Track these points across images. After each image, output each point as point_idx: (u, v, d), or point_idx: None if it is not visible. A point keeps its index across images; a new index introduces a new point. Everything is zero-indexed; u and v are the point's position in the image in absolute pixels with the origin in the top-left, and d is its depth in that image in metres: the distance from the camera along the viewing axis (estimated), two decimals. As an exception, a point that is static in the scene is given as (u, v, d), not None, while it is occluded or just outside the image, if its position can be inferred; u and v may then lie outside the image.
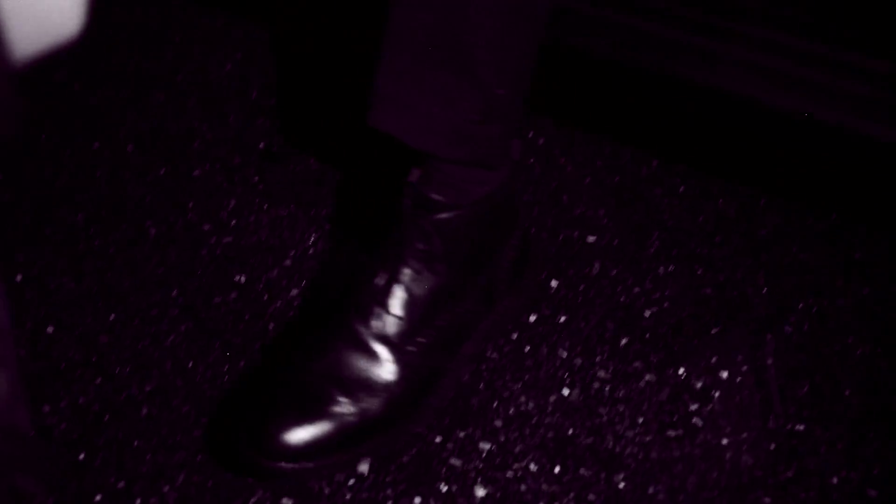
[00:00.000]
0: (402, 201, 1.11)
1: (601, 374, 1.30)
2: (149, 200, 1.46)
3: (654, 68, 1.41)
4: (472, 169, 1.12)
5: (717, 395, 1.28)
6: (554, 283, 1.37)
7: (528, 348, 1.30)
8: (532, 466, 1.21)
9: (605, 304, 1.37)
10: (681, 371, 1.30)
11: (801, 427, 1.25)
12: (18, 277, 1.37)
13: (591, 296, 1.38)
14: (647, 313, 1.36)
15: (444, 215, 1.11)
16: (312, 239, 1.43)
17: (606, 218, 1.48)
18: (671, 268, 1.42)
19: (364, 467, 1.15)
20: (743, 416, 1.26)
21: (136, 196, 1.47)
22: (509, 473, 1.20)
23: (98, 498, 1.17)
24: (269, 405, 1.10)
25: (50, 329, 1.32)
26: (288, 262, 1.40)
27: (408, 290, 1.12)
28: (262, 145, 1.53)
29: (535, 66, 1.11)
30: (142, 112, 1.56)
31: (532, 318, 1.32)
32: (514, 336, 1.30)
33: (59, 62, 1.56)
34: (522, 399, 1.25)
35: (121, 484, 1.18)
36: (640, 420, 1.25)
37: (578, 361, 1.31)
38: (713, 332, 1.35)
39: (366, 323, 1.12)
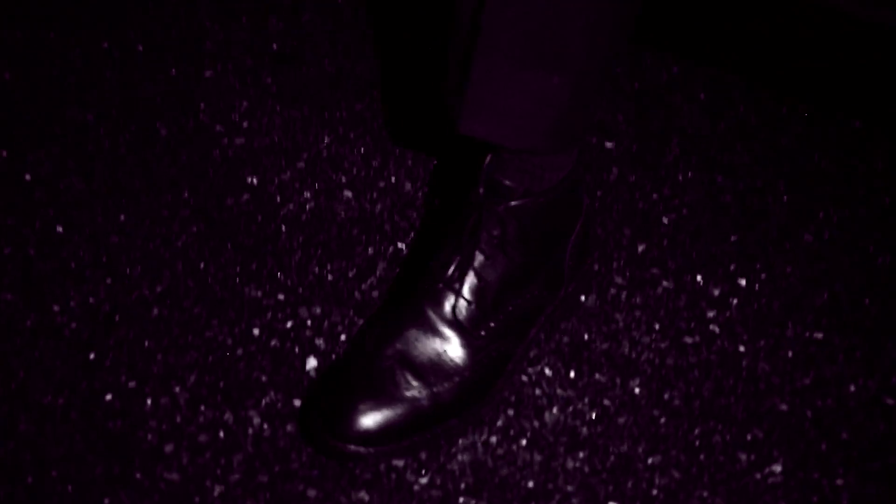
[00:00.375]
0: (476, 188, 1.12)
1: (618, 280, 1.28)
2: (159, 101, 1.44)
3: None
4: (556, 156, 1.12)
5: (734, 302, 1.26)
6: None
7: (543, 254, 1.28)
8: (547, 371, 1.19)
9: (622, 210, 1.35)
10: (698, 278, 1.28)
11: (820, 335, 1.24)
12: (27, 177, 1.35)
13: (609, 202, 1.36)
14: (666, 220, 1.34)
15: (518, 202, 1.11)
16: (326, 142, 1.40)
17: (625, 124, 1.45)
18: (690, 175, 1.40)
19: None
20: (761, 323, 1.25)
21: (146, 96, 1.44)
22: (524, 377, 1.19)
23: (108, 397, 1.16)
24: (343, 389, 1.11)
25: (59, 229, 1.30)
26: (301, 165, 1.38)
27: (479, 275, 1.13)
28: (275, 46, 1.50)
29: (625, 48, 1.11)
30: (152, 11, 1.53)
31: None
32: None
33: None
34: (537, 304, 1.24)
35: (132, 384, 1.17)
36: (657, 326, 1.24)
37: (595, 267, 1.29)
38: (732, 239, 1.33)
39: (438, 308, 1.13)
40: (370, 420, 1.09)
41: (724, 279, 1.29)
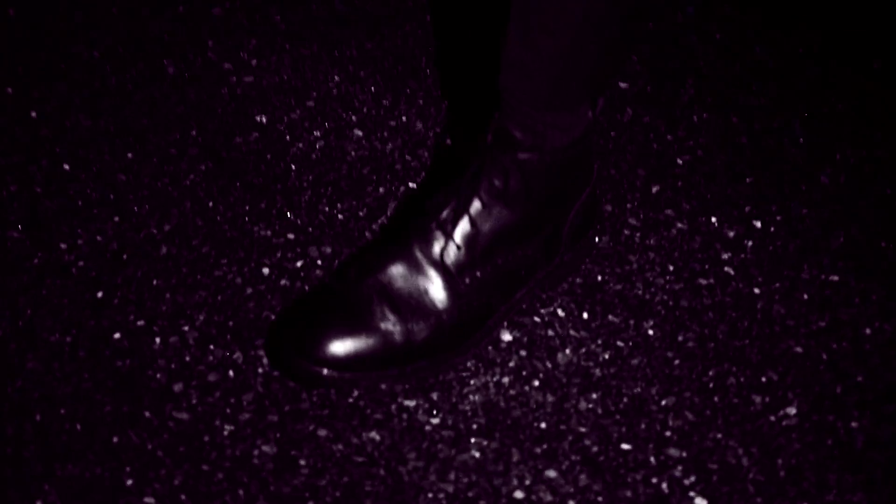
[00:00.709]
0: (485, 135, 1.10)
1: (632, 221, 1.26)
2: (167, 38, 1.41)
3: None
4: (558, 114, 1.10)
5: (749, 244, 1.25)
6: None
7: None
8: (560, 312, 1.18)
9: (636, 151, 1.33)
10: (713, 220, 1.27)
11: (836, 278, 1.22)
12: (33, 114, 1.33)
13: (623, 142, 1.34)
14: (680, 161, 1.33)
15: (525, 155, 1.10)
16: (336, 80, 1.38)
17: (640, 64, 1.43)
18: (705, 116, 1.38)
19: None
20: (776, 265, 1.23)
21: (153, 33, 1.42)
22: (536, 318, 1.17)
23: (117, 336, 1.15)
24: (318, 312, 1.10)
25: (66, 166, 1.28)
26: (311, 104, 1.36)
27: (473, 222, 1.11)
28: (283, -16, 1.48)
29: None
30: (159, -52, 1.51)
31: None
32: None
33: None
34: (550, 245, 1.22)
35: (140, 322, 1.16)
36: (671, 268, 1.22)
37: (609, 208, 1.27)
38: (747, 181, 1.31)
39: (426, 247, 1.11)
40: (340, 346, 1.08)
41: (738, 221, 1.27)
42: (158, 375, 1.12)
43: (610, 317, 1.18)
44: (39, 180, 1.27)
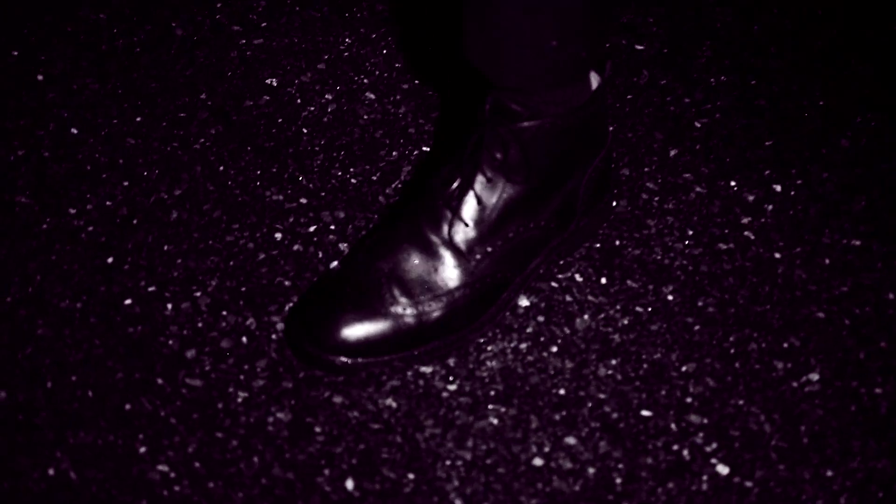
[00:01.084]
0: (482, 108, 1.08)
1: (650, 185, 1.24)
2: (175, 0, 1.39)
3: None
4: (552, 90, 1.07)
5: (769, 208, 1.23)
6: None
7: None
8: (577, 277, 1.16)
9: (653, 113, 1.31)
10: (732, 183, 1.25)
11: (858, 242, 1.20)
12: (40, 77, 1.31)
13: (640, 105, 1.32)
14: (698, 124, 1.30)
15: (524, 125, 1.07)
16: (347, 42, 1.36)
17: (655, 26, 1.41)
18: (723, 78, 1.35)
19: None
20: (797, 229, 1.21)
21: (161, -4, 1.40)
22: (553, 284, 1.16)
23: (128, 302, 1.13)
24: (329, 299, 1.08)
25: (74, 130, 1.26)
26: (321, 66, 1.34)
27: (479, 198, 1.09)
28: (292, -55, 1.45)
29: None
30: None
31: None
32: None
33: None
34: (567, 210, 1.20)
35: (151, 288, 1.14)
36: (690, 233, 1.20)
37: (626, 172, 1.25)
38: (767, 144, 1.29)
39: (435, 227, 1.09)
40: (351, 331, 1.06)
41: (758, 185, 1.25)
42: (171, 342, 1.10)
43: (629, 282, 1.16)
44: (47, 144, 1.25)
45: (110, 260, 1.16)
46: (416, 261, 1.09)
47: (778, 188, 1.25)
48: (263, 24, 1.37)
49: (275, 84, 1.32)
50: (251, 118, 1.28)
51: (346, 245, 1.18)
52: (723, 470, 1.03)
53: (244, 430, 1.04)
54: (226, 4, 1.39)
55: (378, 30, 1.37)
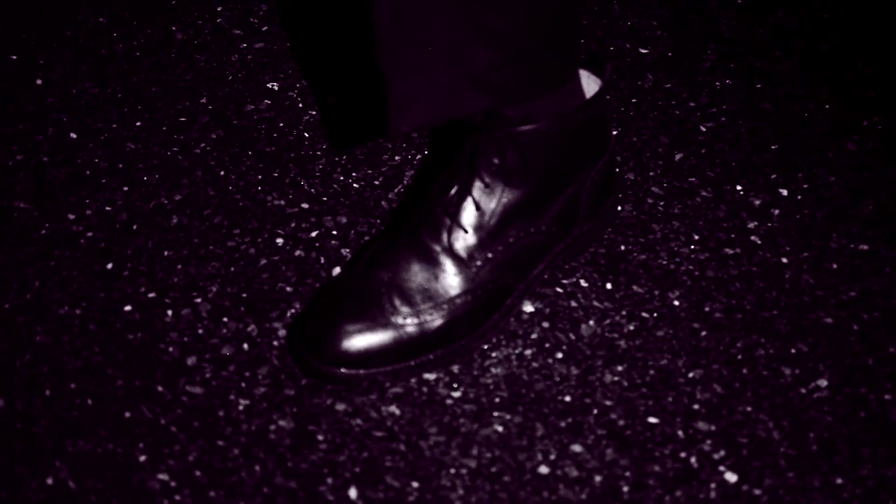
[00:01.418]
0: (476, 115, 1.06)
1: (655, 189, 1.23)
2: (174, 3, 1.38)
3: None
4: (541, 100, 1.06)
5: (776, 212, 1.22)
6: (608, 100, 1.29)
7: (576, 162, 1.23)
8: (583, 283, 1.15)
9: (658, 117, 1.30)
10: (738, 188, 1.24)
11: (865, 247, 1.19)
12: (39, 81, 1.29)
13: (644, 109, 1.31)
14: (703, 128, 1.29)
15: (521, 129, 1.05)
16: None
17: (660, 29, 1.39)
18: (728, 82, 1.34)
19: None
20: (804, 234, 1.20)
21: (161, -1, 1.39)
22: (558, 289, 1.14)
23: (128, 308, 1.11)
24: (329, 310, 1.07)
25: (73, 135, 1.25)
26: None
27: (478, 204, 1.07)
28: (293, -52, 1.44)
29: None
30: (165, -88, 1.47)
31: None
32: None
33: None
34: (571, 214, 1.19)
35: (151, 294, 1.12)
36: (696, 237, 1.19)
37: (631, 177, 1.24)
38: (773, 148, 1.28)
39: (434, 234, 1.08)
40: (352, 342, 1.05)
41: (764, 189, 1.24)
42: (171, 349, 1.09)
43: (634, 287, 1.15)
44: (46, 149, 1.24)
45: (110, 266, 1.14)
46: (416, 269, 1.08)
47: (784, 192, 1.23)
48: (265, 28, 1.36)
49: (276, 88, 1.30)
50: (252, 122, 1.27)
51: (348, 250, 1.16)
52: (731, 478, 1.02)
53: (246, 439, 1.03)
54: (226, 8, 1.38)
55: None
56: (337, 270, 1.15)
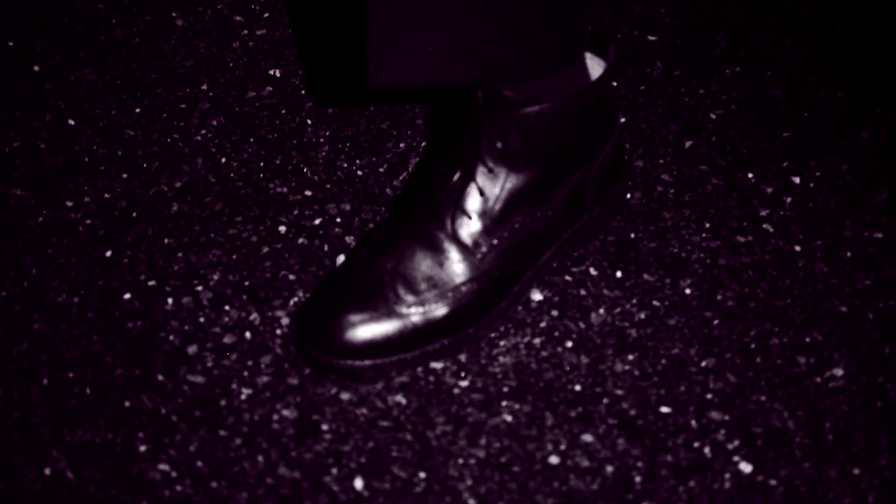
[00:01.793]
0: (475, 96, 1.03)
1: (665, 177, 1.21)
2: (175, -10, 1.36)
3: None
4: (542, 80, 1.03)
5: (788, 200, 1.19)
6: (613, 84, 1.27)
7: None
8: (592, 271, 1.12)
9: (668, 105, 1.28)
10: (749, 175, 1.21)
11: (880, 235, 1.16)
12: (36, 67, 1.27)
13: (653, 96, 1.28)
14: (714, 115, 1.27)
15: (524, 111, 1.02)
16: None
17: (668, 16, 1.37)
18: (738, 69, 1.32)
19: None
20: (817, 222, 1.17)
21: (160, -14, 1.36)
22: (567, 277, 1.12)
23: (127, 296, 1.09)
24: (331, 300, 1.04)
25: (71, 122, 1.23)
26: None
27: (482, 189, 1.04)
28: (295, -65, 1.42)
29: None
30: None
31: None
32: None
33: None
34: (580, 202, 1.16)
35: (151, 282, 1.10)
36: (707, 225, 1.17)
37: (640, 164, 1.22)
38: (784, 135, 1.25)
39: (438, 221, 1.05)
40: (356, 333, 1.02)
41: (776, 177, 1.21)
42: (171, 337, 1.06)
43: (645, 275, 1.12)
44: (43, 136, 1.21)
45: (109, 253, 1.12)
46: (420, 257, 1.05)
47: (797, 180, 1.21)
48: (266, 15, 1.34)
49: (278, 75, 1.28)
50: (254, 109, 1.24)
51: (352, 238, 1.14)
52: (746, 468, 0.99)
53: (248, 428, 1.00)
54: (227, -6, 1.36)
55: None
56: (341, 258, 1.12)
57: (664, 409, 1.03)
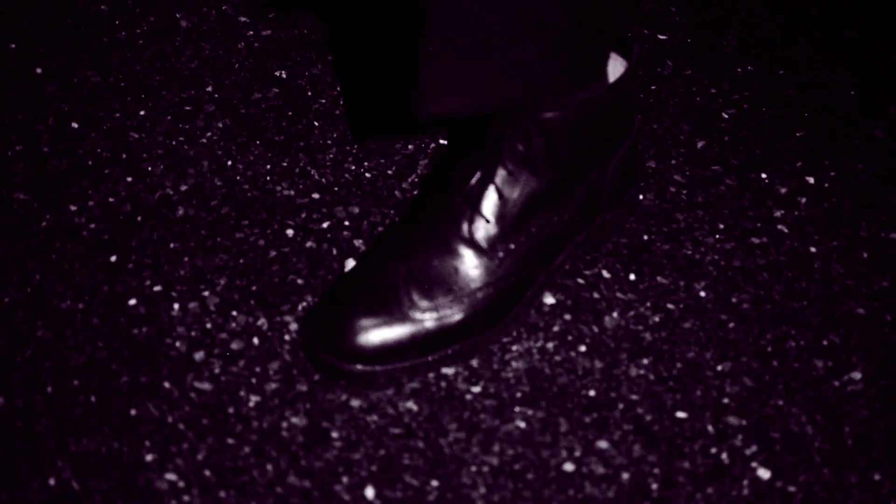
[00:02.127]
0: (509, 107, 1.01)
1: (677, 178, 1.19)
2: (178, -9, 1.34)
3: None
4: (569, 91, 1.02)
5: (803, 201, 1.17)
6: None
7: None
8: (605, 273, 1.10)
9: (679, 104, 1.26)
10: (763, 175, 1.19)
11: (897, 235, 1.15)
12: (38, 70, 1.25)
13: (665, 96, 1.26)
14: (726, 115, 1.25)
15: (548, 115, 1.01)
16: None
17: (678, 15, 1.35)
18: (750, 68, 1.30)
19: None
20: (832, 223, 1.16)
21: (164, -13, 1.34)
22: (580, 280, 1.10)
23: (132, 302, 1.07)
24: (343, 304, 1.02)
25: (75, 125, 1.21)
26: (332, 58, 1.28)
27: (500, 192, 1.03)
28: (300, -65, 1.40)
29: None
30: None
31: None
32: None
33: None
34: (591, 204, 1.15)
35: (157, 288, 1.08)
36: (721, 226, 1.15)
37: (652, 164, 1.20)
38: (797, 135, 1.23)
39: (454, 224, 1.03)
40: (367, 337, 1.00)
41: (790, 177, 1.19)
42: (178, 343, 1.04)
43: (658, 278, 1.10)
44: (46, 139, 1.19)
45: (113, 258, 1.10)
46: (434, 261, 1.03)
47: (811, 180, 1.19)
48: (271, 16, 1.32)
49: (284, 76, 1.26)
50: (260, 111, 1.23)
51: (361, 241, 1.12)
52: (764, 474, 0.97)
53: (257, 436, 0.98)
54: (232, -5, 1.34)
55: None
56: (350, 262, 1.10)
57: (680, 414, 1.01)
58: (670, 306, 1.08)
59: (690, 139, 1.22)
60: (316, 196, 1.16)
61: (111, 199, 1.15)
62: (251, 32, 1.30)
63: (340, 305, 1.02)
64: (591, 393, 1.02)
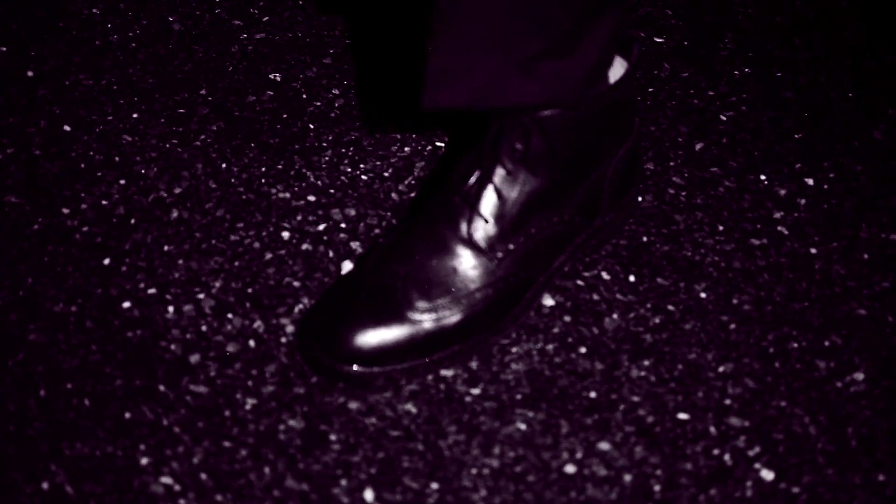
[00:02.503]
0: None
1: (676, 179, 1.18)
2: (171, -6, 1.33)
3: None
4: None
5: (802, 202, 1.17)
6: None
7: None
8: (604, 275, 1.09)
9: (677, 107, 1.25)
10: (762, 177, 1.19)
11: (897, 236, 1.14)
12: (30, 73, 1.24)
13: (662, 98, 1.26)
14: (724, 117, 1.24)
15: (547, 113, 1.00)
16: (352, 36, 1.29)
17: (675, 18, 1.35)
18: (747, 70, 1.29)
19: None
20: (832, 224, 1.15)
21: (156, -10, 1.33)
22: (579, 282, 1.09)
23: (126, 305, 1.06)
24: (341, 306, 1.01)
25: (67, 127, 1.19)
26: (327, 60, 1.27)
27: (499, 192, 1.02)
28: (293, -62, 1.39)
29: None
30: None
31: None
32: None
33: None
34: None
35: (151, 290, 1.07)
36: (720, 228, 1.14)
37: (651, 167, 1.19)
38: (796, 137, 1.23)
39: (452, 224, 1.02)
40: (365, 339, 0.99)
41: (789, 178, 1.19)
42: (173, 346, 1.03)
43: (658, 279, 1.09)
44: (38, 142, 1.18)
45: (107, 261, 1.09)
46: (433, 262, 1.02)
47: (810, 182, 1.18)
48: (265, 19, 1.31)
49: (278, 79, 1.25)
50: (254, 114, 1.21)
51: (357, 244, 1.11)
52: (767, 475, 0.96)
53: (254, 439, 0.97)
54: (225, -2, 1.33)
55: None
56: (346, 264, 1.09)
57: (682, 416, 1.00)
58: (671, 308, 1.07)
59: (689, 141, 1.22)
60: (312, 198, 1.14)
61: (104, 202, 1.13)
62: (244, 35, 1.29)
63: (338, 307, 1.01)
64: (592, 394, 1.01)
